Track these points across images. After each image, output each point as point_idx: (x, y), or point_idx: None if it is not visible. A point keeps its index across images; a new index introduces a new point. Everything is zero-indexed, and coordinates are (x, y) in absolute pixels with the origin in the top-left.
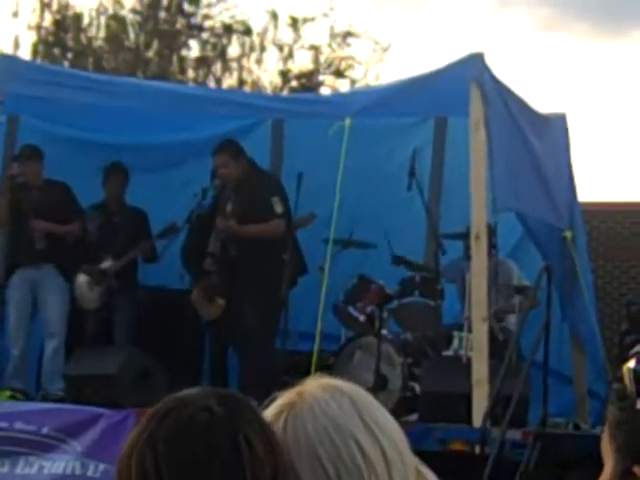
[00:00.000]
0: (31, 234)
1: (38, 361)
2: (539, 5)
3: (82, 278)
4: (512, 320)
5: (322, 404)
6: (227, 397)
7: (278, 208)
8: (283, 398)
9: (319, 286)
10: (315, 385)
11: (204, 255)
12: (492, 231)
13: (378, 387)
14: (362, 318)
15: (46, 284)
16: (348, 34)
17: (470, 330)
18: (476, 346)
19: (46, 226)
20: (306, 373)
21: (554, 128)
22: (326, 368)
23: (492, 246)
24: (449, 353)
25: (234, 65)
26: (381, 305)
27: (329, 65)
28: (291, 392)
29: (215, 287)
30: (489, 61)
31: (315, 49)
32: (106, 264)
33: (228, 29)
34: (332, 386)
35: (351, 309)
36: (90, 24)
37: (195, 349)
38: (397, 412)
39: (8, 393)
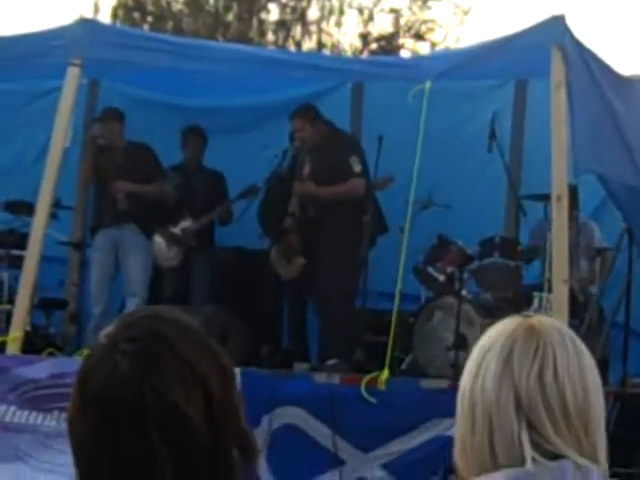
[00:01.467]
0: (114, 195)
1: None
2: None
3: (159, 239)
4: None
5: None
6: (134, 341)
7: (357, 167)
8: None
9: (399, 246)
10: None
11: (283, 215)
12: (575, 193)
13: (458, 347)
14: (442, 278)
15: (128, 244)
16: None
17: (550, 291)
18: (556, 307)
19: (127, 186)
20: (386, 332)
21: (636, 90)
22: (406, 327)
23: (575, 208)
24: (529, 314)
25: (314, 28)
26: (461, 266)
27: (409, 28)
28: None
29: (294, 246)
30: (570, 23)
31: (395, 12)
32: (185, 224)
33: None
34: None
35: (431, 269)
36: None
37: (274, 308)
38: None
39: (88, 351)
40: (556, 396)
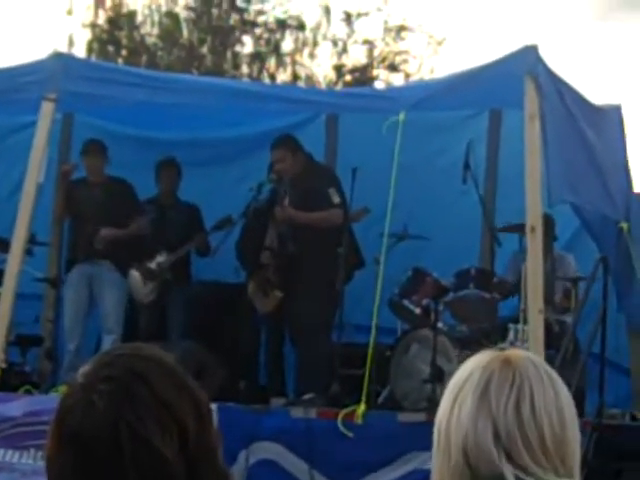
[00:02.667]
0: (90, 232)
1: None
2: None
3: (135, 274)
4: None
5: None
6: (111, 381)
7: (335, 198)
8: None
9: (374, 279)
10: None
11: (260, 249)
12: (550, 223)
13: (435, 379)
14: (418, 311)
15: (103, 280)
16: (402, 28)
17: (526, 322)
18: (532, 338)
19: (110, 234)
20: (362, 365)
21: (609, 119)
22: (383, 360)
23: (550, 238)
24: (505, 345)
25: (288, 60)
26: (436, 298)
27: (383, 59)
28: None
29: (270, 280)
30: (543, 53)
31: (369, 43)
32: (160, 258)
33: (281, 24)
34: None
35: (406, 302)
36: (144, 21)
37: (251, 342)
38: None
39: (64, 388)
40: (534, 429)
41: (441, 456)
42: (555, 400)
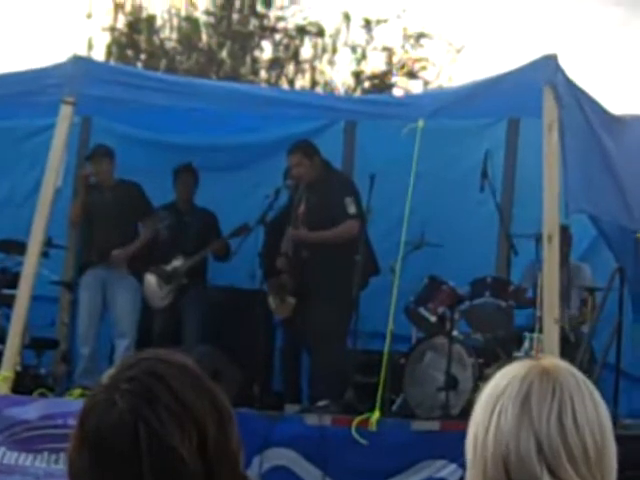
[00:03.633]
0: (103, 236)
1: (108, 361)
2: (613, 3)
3: (151, 277)
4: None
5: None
6: (132, 381)
7: (351, 209)
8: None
9: (390, 287)
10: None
11: (277, 255)
12: (567, 233)
13: (449, 387)
14: (433, 319)
15: (117, 283)
16: (421, 35)
17: (541, 331)
18: (547, 347)
19: (127, 252)
20: (377, 373)
21: (630, 129)
22: (397, 368)
23: (567, 248)
24: (520, 354)
25: (307, 66)
26: (452, 306)
27: (402, 66)
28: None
29: (286, 286)
30: (563, 62)
31: (388, 50)
32: (177, 263)
33: (301, 30)
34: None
35: (422, 310)
36: (163, 26)
37: (265, 349)
38: (468, 412)
39: (79, 391)
40: (577, 442)
41: (476, 466)
42: (595, 412)
